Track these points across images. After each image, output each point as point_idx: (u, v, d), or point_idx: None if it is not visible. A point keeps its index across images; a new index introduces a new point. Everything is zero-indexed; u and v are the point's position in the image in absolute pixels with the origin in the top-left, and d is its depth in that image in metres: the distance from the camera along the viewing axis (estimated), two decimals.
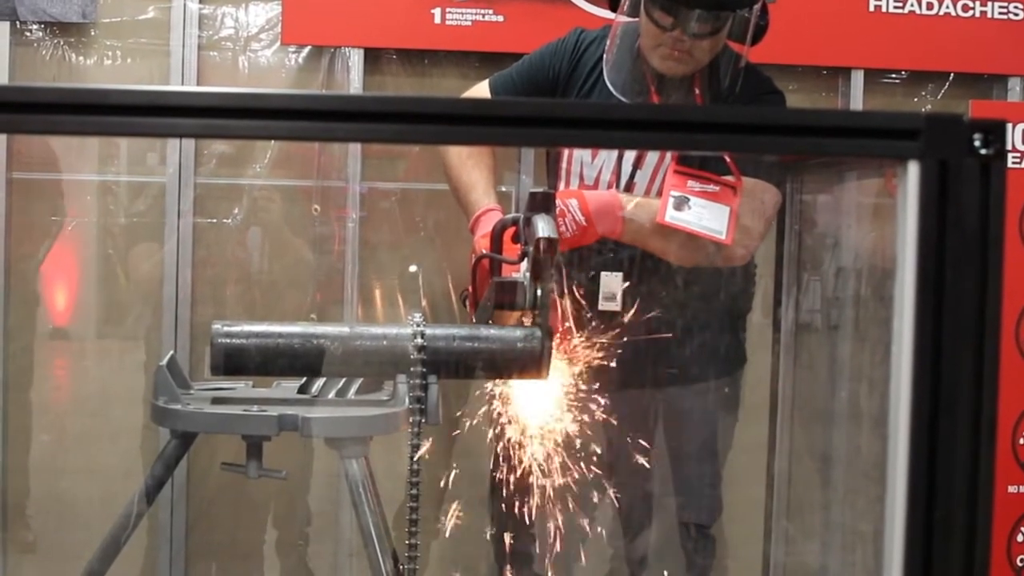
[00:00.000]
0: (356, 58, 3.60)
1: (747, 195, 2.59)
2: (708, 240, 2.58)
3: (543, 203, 2.24)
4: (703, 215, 2.55)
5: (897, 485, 1.07)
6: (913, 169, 1.06)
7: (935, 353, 1.06)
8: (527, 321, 2.22)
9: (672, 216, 2.56)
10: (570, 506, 2.95)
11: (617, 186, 2.77)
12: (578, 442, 2.73)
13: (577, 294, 2.36)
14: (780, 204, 2.56)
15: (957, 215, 1.05)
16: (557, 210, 2.44)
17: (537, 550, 2.90)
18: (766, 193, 2.61)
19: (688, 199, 2.56)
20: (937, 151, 1.05)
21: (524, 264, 2.25)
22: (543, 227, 2.18)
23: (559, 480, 2.88)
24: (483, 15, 3.58)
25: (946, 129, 1.06)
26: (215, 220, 3.64)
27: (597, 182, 2.79)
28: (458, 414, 3.01)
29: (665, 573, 2.97)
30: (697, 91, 2.72)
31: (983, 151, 1.05)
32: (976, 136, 1.05)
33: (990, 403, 1.06)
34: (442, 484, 2.77)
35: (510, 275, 2.34)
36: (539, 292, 2.17)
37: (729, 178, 2.59)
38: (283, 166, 3.69)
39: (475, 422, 3.56)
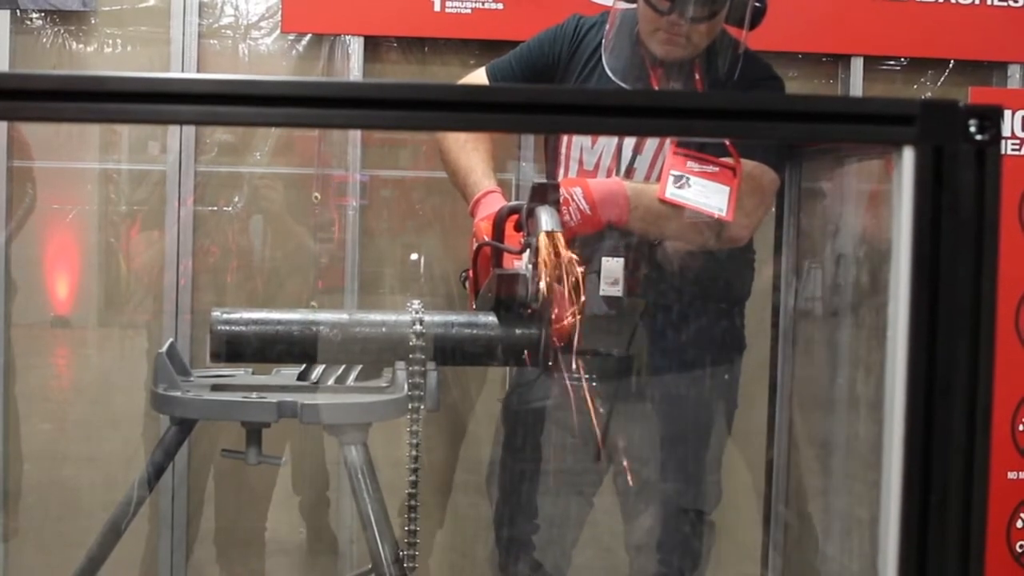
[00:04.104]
0: (356, 46, 3.60)
1: (746, 177, 2.60)
2: (709, 219, 2.59)
3: (546, 194, 2.24)
4: (704, 193, 2.56)
5: (892, 470, 1.07)
6: (908, 155, 1.06)
7: (930, 338, 1.06)
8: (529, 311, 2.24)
9: (672, 193, 2.57)
10: (569, 492, 2.96)
11: (617, 172, 2.77)
12: (577, 428, 2.74)
13: (579, 281, 2.36)
14: (778, 187, 2.56)
15: (952, 201, 1.05)
16: (561, 199, 2.44)
17: (536, 536, 2.91)
18: (764, 176, 2.62)
19: (688, 178, 2.57)
20: (932, 137, 1.05)
21: (526, 255, 2.26)
22: (547, 220, 2.19)
23: (558, 466, 2.89)
24: (483, 3, 3.58)
25: (941, 115, 1.06)
26: (216, 208, 3.65)
27: (597, 168, 2.79)
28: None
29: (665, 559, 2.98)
30: (696, 76, 2.73)
31: (979, 137, 1.05)
32: (972, 122, 1.05)
33: (985, 388, 1.06)
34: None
35: (512, 265, 2.34)
36: (540, 284, 2.17)
37: (728, 160, 2.60)
38: (284, 154, 3.69)
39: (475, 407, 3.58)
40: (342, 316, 2.30)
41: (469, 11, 3.58)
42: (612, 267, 2.67)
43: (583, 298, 2.26)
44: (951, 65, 3.79)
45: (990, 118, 1.06)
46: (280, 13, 3.58)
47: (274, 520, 3.70)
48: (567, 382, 2.42)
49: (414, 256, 3.71)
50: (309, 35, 3.65)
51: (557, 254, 2.15)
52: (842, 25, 3.70)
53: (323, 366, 2.39)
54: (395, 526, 2.44)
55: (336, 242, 3.65)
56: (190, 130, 3.56)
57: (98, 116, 1.08)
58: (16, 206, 3.57)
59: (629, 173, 2.77)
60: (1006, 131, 3.53)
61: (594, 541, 3.10)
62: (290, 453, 3.57)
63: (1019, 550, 3.55)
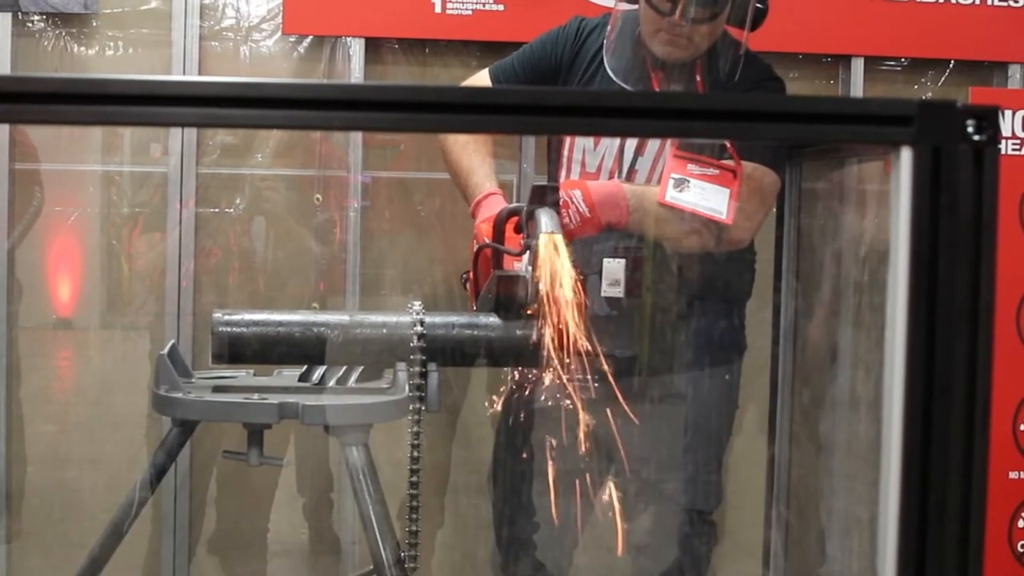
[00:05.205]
0: (357, 48, 3.60)
1: (747, 179, 2.60)
2: (709, 222, 2.59)
3: (546, 196, 2.26)
4: (703, 196, 2.56)
5: (891, 470, 1.07)
6: (906, 155, 1.06)
7: (929, 339, 1.06)
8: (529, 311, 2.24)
9: (672, 196, 2.57)
10: (570, 492, 2.96)
11: (619, 173, 2.78)
12: (578, 429, 2.74)
13: (580, 281, 2.36)
14: (780, 188, 2.57)
15: (950, 201, 1.05)
16: (561, 201, 2.45)
17: (537, 536, 2.92)
18: (766, 177, 2.62)
19: (688, 181, 2.58)
20: (930, 137, 1.06)
21: (526, 257, 2.27)
22: (546, 222, 2.20)
23: (560, 466, 2.89)
24: (483, 4, 3.58)
25: (939, 115, 1.06)
26: (217, 210, 3.65)
27: (599, 169, 2.80)
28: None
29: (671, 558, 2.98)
30: (698, 77, 2.73)
31: (976, 137, 1.06)
32: (969, 122, 1.06)
33: (984, 388, 1.06)
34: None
35: (512, 267, 2.35)
36: (540, 285, 2.18)
37: (729, 162, 2.60)
38: (285, 155, 3.69)
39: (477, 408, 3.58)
40: (343, 317, 2.31)
41: (470, 13, 3.59)
42: (613, 268, 2.68)
43: (583, 299, 2.26)
44: (951, 65, 3.79)
45: (988, 118, 1.06)
46: (281, 15, 3.59)
47: (276, 521, 3.71)
48: (568, 383, 2.43)
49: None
50: (310, 37, 3.65)
51: (557, 256, 2.16)
52: (843, 26, 3.70)
53: (324, 367, 2.39)
54: (396, 527, 2.44)
55: (337, 243, 3.65)
56: (192, 132, 3.57)
57: (100, 119, 1.09)
58: (20, 208, 3.58)
59: (631, 174, 2.77)
60: (1006, 131, 3.53)
61: (595, 541, 3.10)
62: (292, 454, 3.57)
63: (1020, 550, 3.55)
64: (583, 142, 2.82)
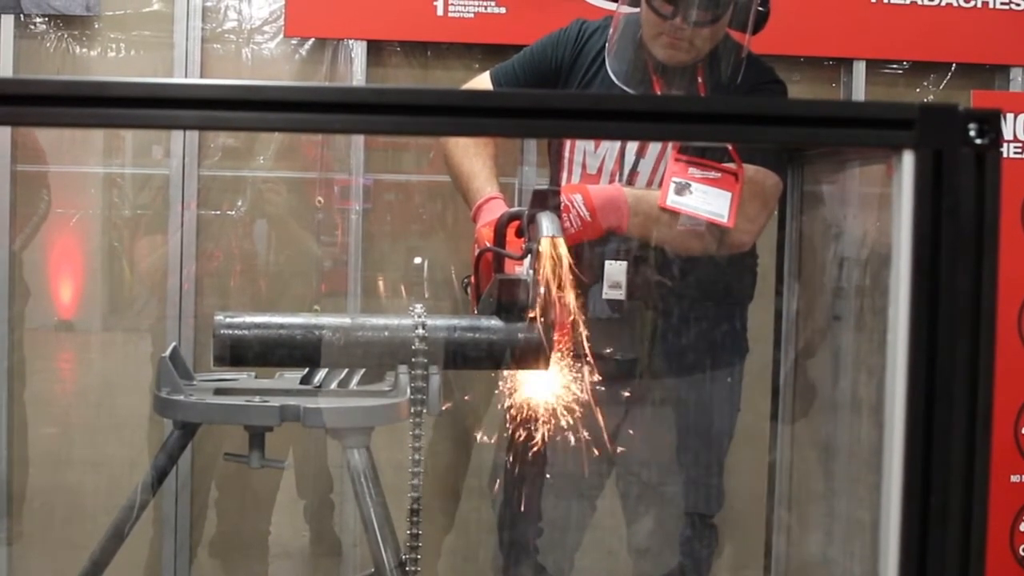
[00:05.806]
0: (359, 50, 3.61)
1: (748, 182, 2.60)
2: (710, 225, 2.59)
3: (547, 200, 2.26)
4: (705, 199, 2.56)
5: (893, 474, 1.07)
6: (908, 159, 1.06)
7: (931, 342, 1.06)
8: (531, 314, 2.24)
9: (674, 200, 2.58)
10: (571, 496, 2.96)
11: (620, 175, 2.78)
12: (580, 433, 2.74)
13: (581, 284, 2.36)
14: (782, 191, 2.57)
15: (952, 204, 1.05)
16: (562, 205, 2.45)
17: (539, 539, 2.91)
18: (767, 180, 2.62)
19: (689, 185, 2.58)
20: (932, 141, 1.05)
21: (527, 261, 2.27)
22: (547, 226, 2.20)
23: (561, 470, 2.89)
24: (485, 7, 3.58)
25: (941, 119, 1.06)
26: (219, 212, 3.65)
27: (600, 171, 2.80)
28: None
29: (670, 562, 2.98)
30: (699, 80, 2.73)
31: (978, 141, 1.05)
32: (971, 126, 1.06)
33: (986, 391, 1.06)
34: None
35: (513, 271, 2.35)
36: (542, 289, 2.19)
37: (730, 165, 2.60)
38: (287, 158, 3.70)
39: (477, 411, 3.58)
40: (345, 320, 2.31)
41: (471, 15, 3.59)
42: (615, 271, 2.68)
43: (584, 302, 2.26)
44: (953, 68, 3.79)
45: (989, 122, 1.06)
46: (283, 17, 3.59)
47: (277, 524, 3.71)
48: (569, 386, 2.43)
49: (417, 260, 3.71)
50: (312, 39, 3.65)
51: (558, 260, 2.16)
52: (844, 29, 3.70)
53: (326, 370, 2.39)
54: (399, 529, 2.44)
55: (339, 246, 3.65)
56: (193, 134, 3.57)
57: (101, 121, 1.09)
58: (23, 211, 3.58)
59: (632, 176, 2.77)
60: (1008, 134, 3.53)
61: (597, 544, 3.10)
62: (293, 457, 3.58)
63: (1022, 554, 3.55)
64: (584, 144, 2.82)
